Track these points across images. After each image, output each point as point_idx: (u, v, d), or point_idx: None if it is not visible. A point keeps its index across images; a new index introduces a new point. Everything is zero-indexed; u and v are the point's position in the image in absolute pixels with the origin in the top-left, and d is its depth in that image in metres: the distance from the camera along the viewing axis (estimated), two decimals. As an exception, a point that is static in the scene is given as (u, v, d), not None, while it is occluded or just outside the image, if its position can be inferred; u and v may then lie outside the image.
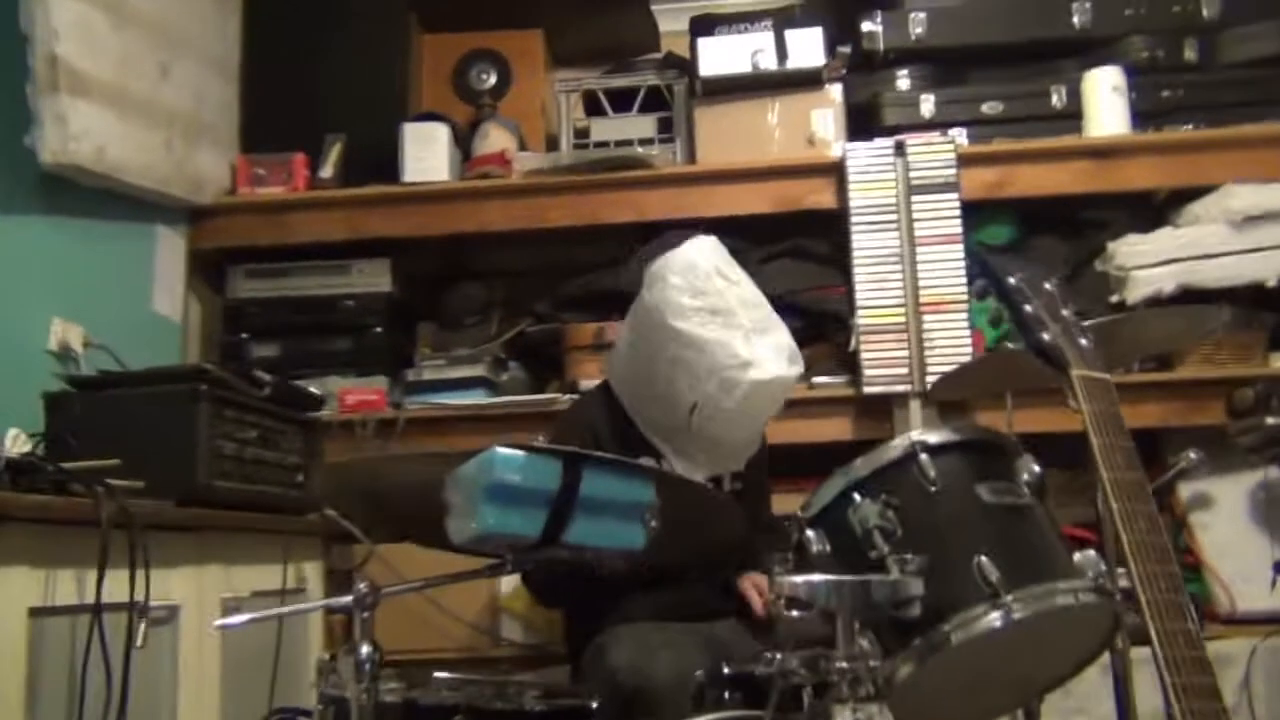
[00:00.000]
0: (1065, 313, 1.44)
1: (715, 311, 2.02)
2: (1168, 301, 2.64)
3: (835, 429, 2.78)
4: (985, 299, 1.58)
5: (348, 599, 1.32)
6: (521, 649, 2.76)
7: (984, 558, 1.45)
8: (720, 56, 2.91)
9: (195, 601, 2.05)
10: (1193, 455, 2.42)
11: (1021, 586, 1.44)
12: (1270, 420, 2.38)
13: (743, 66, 2.90)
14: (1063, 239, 2.92)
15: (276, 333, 3.03)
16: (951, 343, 2.65)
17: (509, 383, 3.01)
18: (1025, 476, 1.60)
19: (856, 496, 1.55)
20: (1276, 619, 2.55)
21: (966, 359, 2.64)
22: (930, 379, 2.65)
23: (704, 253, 2.09)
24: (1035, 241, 2.93)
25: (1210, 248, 2.65)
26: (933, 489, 1.54)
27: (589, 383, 2.84)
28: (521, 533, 1.25)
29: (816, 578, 1.37)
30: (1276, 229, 2.63)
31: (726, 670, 1.66)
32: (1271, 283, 2.63)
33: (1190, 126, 2.88)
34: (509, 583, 2.75)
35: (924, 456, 1.55)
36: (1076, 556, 1.54)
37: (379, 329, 3.02)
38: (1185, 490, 2.77)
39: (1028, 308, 1.42)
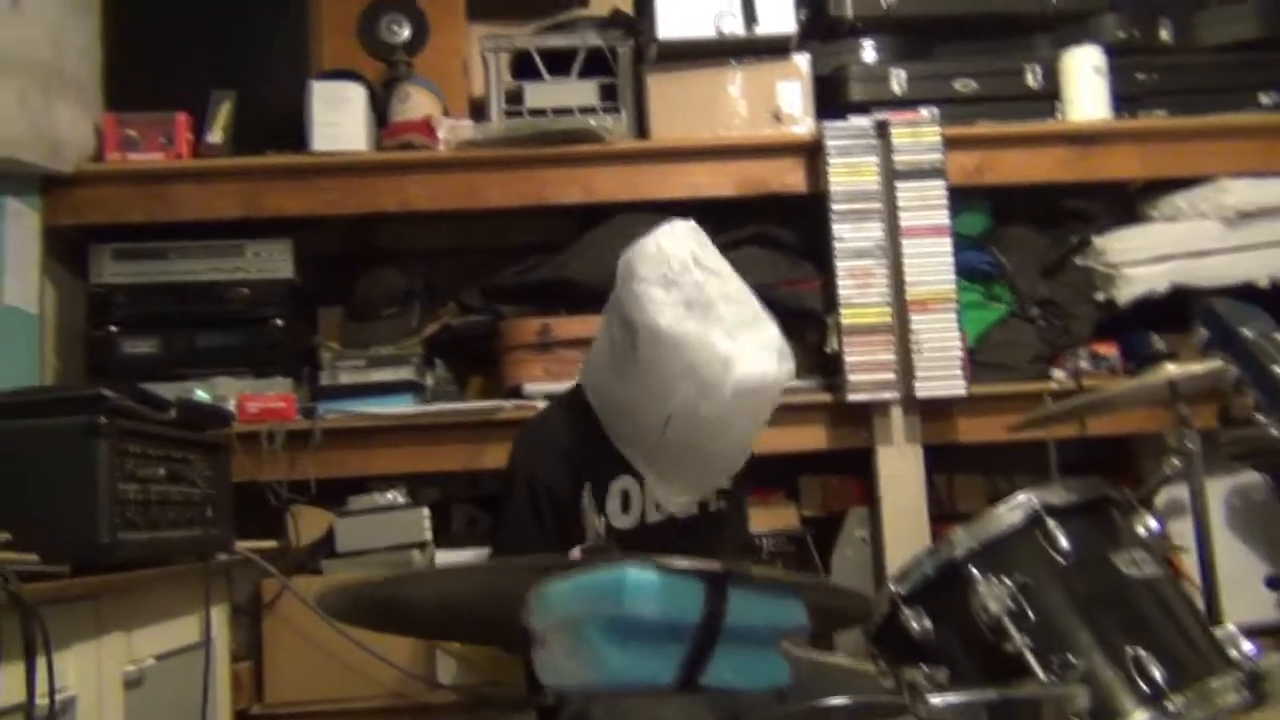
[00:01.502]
0: (1315, 377, 1.21)
1: (690, 305, 1.76)
2: (1160, 302, 2.48)
3: (809, 438, 2.53)
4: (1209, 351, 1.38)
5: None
6: (462, 694, 2.41)
7: (1141, 650, 1.22)
8: (681, 18, 2.57)
9: (94, 685, 1.64)
10: (1176, 462, 2.29)
11: (1185, 687, 1.22)
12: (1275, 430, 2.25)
13: (706, 30, 2.57)
14: (1038, 230, 2.73)
15: (152, 326, 2.56)
16: (941, 345, 2.43)
17: (435, 386, 2.63)
18: (1145, 535, 1.38)
19: (974, 571, 1.29)
20: (1266, 631, 2.45)
21: (957, 363, 2.44)
22: (919, 384, 2.43)
23: (678, 239, 1.83)
24: (1009, 232, 2.73)
25: (1203, 245, 2.51)
26: (1064, 563, 1.29)
27: (533, 387, 2.52)
28: (652, 680, 0.93)
29: (975, 697, 1.10)
30: (1270, 226, 2.51)
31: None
32: (1263, 283, 2.51)
33: (1163, 112, 2.73)
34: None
35: (1051, 522, 1.31)
36: (1218, 633, 1.33)
37: (279, 321, 2.59)
38: (1159, 497, 2.64)
39: (1277, 369, 1.17)
